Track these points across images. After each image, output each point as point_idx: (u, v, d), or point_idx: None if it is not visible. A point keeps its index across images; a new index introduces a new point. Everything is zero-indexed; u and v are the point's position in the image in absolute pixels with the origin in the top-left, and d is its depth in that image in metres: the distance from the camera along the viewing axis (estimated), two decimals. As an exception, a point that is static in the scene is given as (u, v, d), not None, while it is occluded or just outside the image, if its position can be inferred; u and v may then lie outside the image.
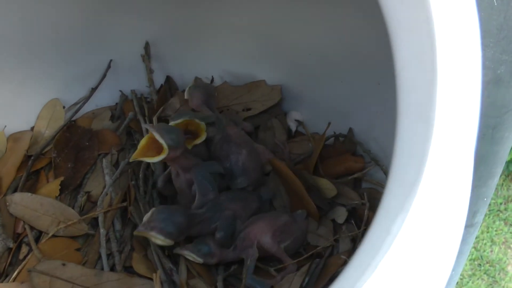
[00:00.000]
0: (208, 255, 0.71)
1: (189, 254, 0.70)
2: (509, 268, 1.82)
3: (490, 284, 1.77)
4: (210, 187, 0.74)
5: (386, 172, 0.78)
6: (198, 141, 0.76)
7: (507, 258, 1.84)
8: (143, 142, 0.70)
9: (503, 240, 1.89)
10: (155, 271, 0.71)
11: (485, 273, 1.80)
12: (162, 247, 0.73)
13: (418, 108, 0.38)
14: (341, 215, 0.76)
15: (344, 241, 0.73)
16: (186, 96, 0.83)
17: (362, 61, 0.78)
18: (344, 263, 0.69)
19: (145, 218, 0.68)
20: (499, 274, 1.79)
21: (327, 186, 0.78)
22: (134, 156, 0.69)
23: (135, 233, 0.68)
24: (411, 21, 0.39)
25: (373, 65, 0.77)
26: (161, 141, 0.68)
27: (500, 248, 1.87)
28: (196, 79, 0.88)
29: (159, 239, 0.67)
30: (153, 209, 0.69)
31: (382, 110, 0.79)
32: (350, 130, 0.84)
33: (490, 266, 1.82)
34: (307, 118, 0.89)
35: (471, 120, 0.37)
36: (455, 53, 0.37)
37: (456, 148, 0.37)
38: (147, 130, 0.71)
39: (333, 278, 0.69)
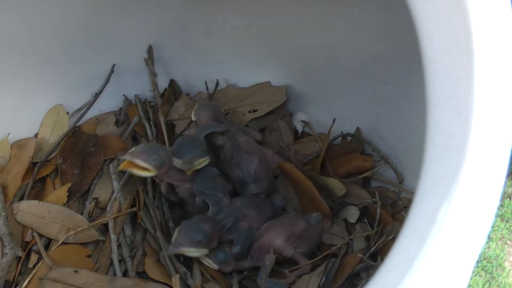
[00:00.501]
0: (224, 263, 0.70)
1: (205, 260, 0.70)
2: (506, 264, 1.83)
3: (488, 281, 1.78)
4: (219, 194, 0.74)
5: (395, 170, 0.78)
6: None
7: (504, 254, 1.84)
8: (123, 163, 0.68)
9: (500, 236, 1.90)
10: (169, 275, 0.71)
11: (482, 269, 1.80)
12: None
13: (452, 100, 0.38)
14: (353, 214, 0.76)
15: (358, 240, 0.73)
16: (193, 118, 0.81)
17: (368, 60, 0.78)
18: (360, 261, 0.69)
19: (173, 238, 0.69)
20: (496, 270, 1.80)
21: (337, 185, 0.78)
22: (121, 167, 0.68)
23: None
24: (442, 13, 0.39)
25: (379, 64, 0.77)
26: (146, 165, 0.67)
27: (497, 244, 1.87)
28: (199, 101, 0.87)
29: (192, 252, 0.68)
30: (177, 228, 0.69)
31: (389, 109, 0.79)
32: (358, 129, 0.84)
33: (487, 262, 1.82)
34: (313, 119, 0.89)
35: (509, 113, 0.36)
36: (491, 45, 0.37)
37: (495, 140, 0.37)
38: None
39: (349, 277, 0.69)
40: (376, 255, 0.71)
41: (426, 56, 0.41)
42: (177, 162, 0.71)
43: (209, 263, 0.70)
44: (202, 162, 0.73)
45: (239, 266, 0.72)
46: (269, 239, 0.71)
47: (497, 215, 1.94)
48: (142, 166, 0.67)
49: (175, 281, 0.67)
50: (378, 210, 0.74)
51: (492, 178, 0.38)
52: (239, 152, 0.78)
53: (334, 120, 0.83)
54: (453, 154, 0.38)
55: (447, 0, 0.39)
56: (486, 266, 1.81)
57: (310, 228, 0.73)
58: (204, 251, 0.68)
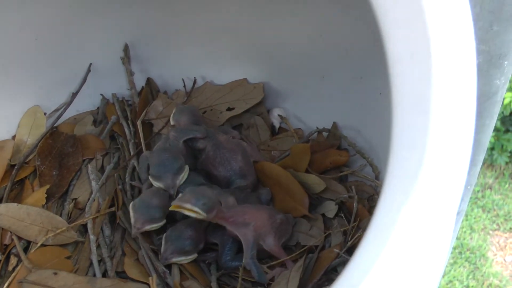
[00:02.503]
0: (211, 209, 0.67)
1: (192, 208, 0.66)
2: (489, 254, 1.85)
3: (472, 271, 1.80)
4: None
5: (372, 164, 0.79)
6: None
7: (487, 244, 1.87)
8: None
9: (482, 227, 1.92)
10: (148, 274, 0.71)
11: (466, 260, 1.83)
12: (153, 251, 0.73)
13: (414, 100, 0.38)
14: (331, 209, 0.77)
15: (335, 235, 0.74)
16: (172, 122, 0.82)
17: (343, 56, 0.78)
18: (337, 256, 0.70)
19: (161, 249, 0.71)
20: (479, 260, 1.82)
21: (315, 182, 0.78)
22: (172, 208, 0.68)
23: (170, 208, 0.68)
24: (403, 16, 0.40)
25: (354, 59, 0.77)
26: (196, 209, 0.66)
27: (480, 235, 1.90)
28: (177, 105, 0.87)
29: (183, 260, 0.71)
30: (163, 236, 0.71)
31: (365, 103, 0.80)
32: (334, 124, 0.85)
33: (470, 253, 1.85)
34: (290, 114, 0.90)
35: (469, 108, 0.37)
36: (450, 46, 0.37)
37: (456, 137, 0.38)
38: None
39: (326, 272, 0.69)
40: (353, 249, 0.71)
41: (390, 59, 0.41)
42: (159, 185, 0.74)
43: (198, 213, 0.67)
44: (183, 176, 0.75)
45: (220, 214, 0.69)
46: (254, 214, 0.71)
47: (478, 206, 1.97)
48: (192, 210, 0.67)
49: (152, 281, 0.67)
50: (355, 204, 0.75)
51: (453, 176, 0.38)
52: (222, 151, 0.79)
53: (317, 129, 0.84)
54: (415, 154, 0.38)
55: (407, 4, 0.39)
56: (470, 257, 1.83)
57: (287, 223, 0.74)
58: (194, 256, 0.71)
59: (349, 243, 0.71)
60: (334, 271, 0.70)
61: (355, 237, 0.71)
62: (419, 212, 0.37)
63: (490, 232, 1.91)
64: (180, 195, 0.68)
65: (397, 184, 0.40)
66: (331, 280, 0.69)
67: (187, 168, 0.76)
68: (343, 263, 0.70)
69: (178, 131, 0.79)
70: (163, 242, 0.72)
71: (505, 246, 1.89)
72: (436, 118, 0.38)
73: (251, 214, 0.72)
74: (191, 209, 0.66)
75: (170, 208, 0.68)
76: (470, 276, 1.80)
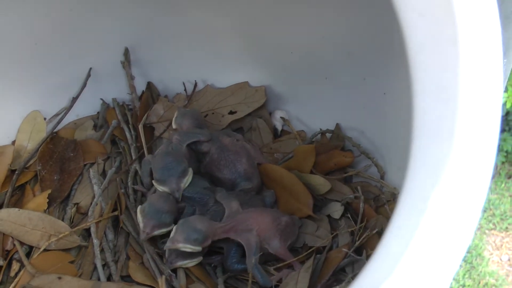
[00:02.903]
0: (204, 241, 0.68)
1: (185, 247, 0.68)
2: (485, 253, 1.85)
3: (468, 270, 1.80)
4: (205, 196, 0.75)
5: (377, 165, 0.79)
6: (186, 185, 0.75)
7: (483, 244, 1.87)
8: None
9: (478, 226, 1.92)
10: (153, 277, 0.70)
11: (462, 259, 1.83)
12: (158, 254, 0.72)
13: (438, 89, 0.38)
14: (336, 210, 0.76)
15: (343, 235, 0.73)
16: (174, 126, 0.81)
17: (345, 57, 0.78)
18: (345, 256, 0.69)
19: (171, 235, 0.69)
20: (476, 260, 1.82)
21: (320, 182, 0.78)
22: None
23: (165, 248, 0.70)
24: (427, 8, 0.39)
25: (357, 60, 0.77)
26: (189, 247, 0.68)
27: (476, 234, 1.90)
28: (179, 108, 0.86)
29: (187, 248, 0.68)
30: (176, 225, 0.70)
31: (369, 104, 0.80)
32: (337, 125, 0.84)
33: (467, 252, 1.84)
34: (293, 117, 0.89)
35: (496, 97, 0.37)
36: (476, 33, 0.37)
37: (482, 127, 0.37)
38: None
39: (335, 272, 0.69)
40: (361, 249, 0.71)
41: (410, 48, 0.41)
42: (163, 189, 0.74)
43: (192, 248, 0.68)
44: (187, 180, 0.75)
45: (216, 233, 0.70)
46: (256, 218, 0.71)
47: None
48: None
49: (162, 282, 0.66)
50: (361, 205, 0.74)
51: (481, 165, 0.38)
52: (227, 153, 0.79)
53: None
54: (442, 142, 0.38)
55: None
56: (466, 256, 1.83)
57: (292, 225, 0.73)
58: (198, 248, 0.68)
59: (357, 243, 0.70)
60: (342, 271, 0.70)
61: (362, 237, 0.70)
62: (446, 203, 0.37)
63: (486, 231, 1.91)
64: (171, 234, 0.69)
65: (422, 173, 0.39)
66: (340, 281, 0.68)
67: (191, 171, 0.75)
68: (352, 263, 0.70)
69: (182, 135, 0.78)
70: (174, 228, 0.70)
71: (501, 245, 1.89)
72: (463, 106, 0.37)
73: (253, 219, 0.71)
74: (184, 248, 0.68)
75: (166, 248, 0.69)
76: (467, 275, 1.80)
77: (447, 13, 0.37)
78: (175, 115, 0.82)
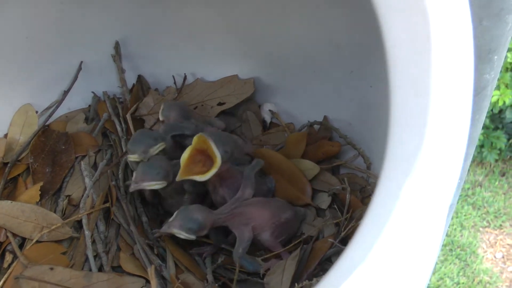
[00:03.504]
0: (199, 230, 0.69)
1: (179, 233, 0.68)
2: (479, 251, 1.86)
3: (462, 268, 1.81)
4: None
5: (363, 155, 0.80)
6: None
7: (477, 241, 1.88)
8: (186, 155, 0.68)
9: (472, 224, 1.94)
10: (144, 268, 0.71)
11: (456, 257, 1.84)
12: (149, 245, 0.73)
13: (413, 82, 0.39)
14: (324, 200, 0.77)
15: (328, 226, 0.74)
16: (161, 118, 0.82)
17: (334, 50, 0.79)
18: (331, 246, 0.71)
19: (170, 219, 0.69)
20: (470, 257, 1.84)
21: (309, 167, 0.79)
22: (181, 175, 0.68)
23: (156, 234, 0.71)
24: (401, 3, 0.40)
25: (345, 53, 0.78)
26: (216, 153, 0.67)
27: (470, 232, 1.91)
28: (165, 101, 0.87)
29: (182, 235, 0.68)
30: (176, 211, 0.70)
31: (356, 97, 0.81)
32: (325, 117, 0.86)
33: (461, 250, 1.86)
34: (281, 109, 0.90)
35: (465, 94, 0.38)
36: (448, 30, 0.38)
37: (453, 122, 0.38)
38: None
39: (321, 262, 0.70)
40: (347, 240, 0.72)
41: (387, 43, 0.42)
42: (133, 157, 0.73)
43: (186, 236, 0.69)
44: (157, 148, 0.73)
45: (212, 225, 0.70)
46: (255, 212, 0.72)
47: (469, 203, 1.98)
48: (210, 152, 0.67)
49: (151, 272, 0.68)
50: (347, 196, 0.75)
51: (451, 157, 0.39)
52: None
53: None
54: (414, 135, 0.39)
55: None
56: (460, 254, 1.84)
57: (294, 220, 0.75)
58: (192, 237, 0.69)
59: (343, 233, 0.72)
60: (328, 261, 0.71)
61: (348, 227, 0.72)
62: (418, 195, 0.38)
63: (480, 229, 1.93)
64: (170, 218, 0.69)
65: (395, 166, 0.41)
66: (326, 270, 0.69)
67: (162, 143, 0.74)
68: (338, 253, 0.71)
69: (167, 126, 0.79)
70: (174, 214, 0.69)
71: (495, 243, 1.90)
72: (435, 100, 0.38)
73: (252, 214, 0.72)
74: (179, 234, 0.68)
75: (160, 232, 0.70)
76: (461, 273, 1.81)
77: (420, 8, 0.38)
78: (161, 108, 0.82)
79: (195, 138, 0.68)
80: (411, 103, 0.39)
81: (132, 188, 0.71)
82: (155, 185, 0.71)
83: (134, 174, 0.71)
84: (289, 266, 0.68)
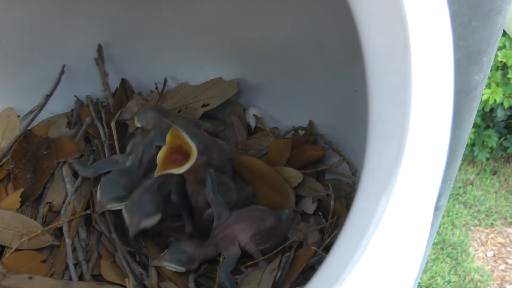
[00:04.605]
0: (188, 263, 0.71)
1: (169, 265, 0.70)
2: (470, 249, 1.86)
3: (454, 267, 1.81)
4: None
5: (348, 162, 0.79)
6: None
7: (468, 240, 1.88)
8: (161, 154, 0.68)
9: (464, 222, 1.93)
10: (125, 277, 0.70)
11: (448, 256, 1.84)
12: (130, 253, 0.72)
13: (391, 92, 0.38)
14: (309, 206, 0.77)
15: (312, 233, 0.74)
16: (139, 125, 0.81)
17: (318, 54, 0.79)
18: (315, 254, 0.70)
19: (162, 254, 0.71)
20: (461, 256, 1.84)
21: (293, 175, 0.79)
22: (158, 171, 0.68)
23: (151, 265, 0.71)
24: (379, 7, 0.39)
25: (329, 58, 0.78)
26: (191, 144, 0.67)
27: (461, 230, 1.91)
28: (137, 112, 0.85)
29: (172, 267, 0.70)
30: (171, 243, 0.72)
31: (341, 101, 0.80)
32: (310, 122, 0.85)
33: (452, 249, 1.86)
34: (266, 113, 0.90)
35: (446, 101, 0.37)
36: (426, 35, 0.37)
37: (433, 129, 0.37)
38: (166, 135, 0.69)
39: (304, 270, 0.69)
40: (331, 247, 0.71)
41: (366, 50, 0.41)
42: (125, 216, 0.73)
43: (176, 268, 0.71)
44: (149, 223, 0.73)
45: (203, 256, 0.72)
46: (236, 230, 0.72)
47: (460, 202, 1.98)
48: (185, 147, 0.67)
49: (129, 283, 0.67)
50: (332, 202, 0.75)
51: (431, 168, 0.38)
52: None
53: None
54: (393, 145, 0.38)
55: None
56: (451, 252, 1.84)
57: (279, 225, 0.74)
58: (182, 269, 0.70)
59: (327, 241, 0.71)
60: (312, 269, 0.70)
61: (332, 234, 0.71)
62: (398, 205, 0.37)
63: (472, 227, 1.93)
64: (162, 253, 0.71)
65: (374, 176, 0.40)
66: (309, 279, 0.68)
67: (158, 216, 0.73)
68: (321, 261, 0.70)
69: (158, 131, 0.78)
70: (169, 247, 0.72)
71: (486, 241, 1.90)
72: (414, 109, 0.37)
73: (234, 232, 0.72)
74: (169, 266, 0.70)
75: (152, 264, 0.71)
76: (452, 272, 1.81)
77: (398, 15, 0.37)
78: (136, 118, 0.82)
79: (168, 135, 0.68)
80: (390, 110, 0.38)
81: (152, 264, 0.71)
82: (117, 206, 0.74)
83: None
84: (265, 281, 0.67)
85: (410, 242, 0.39)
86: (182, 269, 0.70)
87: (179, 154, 0.68)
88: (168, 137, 0.68)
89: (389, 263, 0.38)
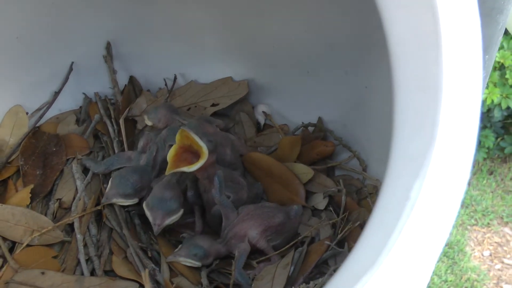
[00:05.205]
0: (204, 257, 0.71)
1: (185, 260, 0.71)
2: (467, 248, 1.87)
3: (450, 266, 1.81)
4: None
5: (358, 158, 0.80)
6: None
7: (465, 239, 1.89)
8: (172, 152, 0.68)
9: (460, 222, 1.94)
10: (137, 272, 0.70)
11: (444, 255, 1.84)
12: (142, 249, 0.72)
13: (419, 80, 0.38)
14: (320, 201, 0.77)
15: (324, 228, 0.74)
16: (149, 123, 0.82)
17: (328, 51, 0.79)
18: (328, 249, 0.70)
19: (176, 250, 0.73)
20: (458, 255, 1.84)
21: (303, 171, 0.79)
22: (169, 169, 0.68)
23: (167, 260, 0.72)
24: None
25: (339, 54, 0.78)
26: (201, 144, 0.67)
27: (458, 230, 1.92)
28: (147, 111, 0.86)
29: (191, 263, 0.71)
30: (185, 239, 0.74)
31: (350, 97, 0.80)
32: (320, 119, 0.85)
33: (449, 248, 1.86)
34: (275, 110, 0.90)
35: (476, 88, 0.37)
36: (457, 25, 0.37)
37: (463, 117, 0.37)
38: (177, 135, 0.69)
39: (317, 265, 0.69)
40: (343, 242, 0.71)
41: (391, 39, 0.41)
42: (147, 214, 0.73)
43: (192, 262, 0.71)
44: (173, 219, 0.73)
45: (217, 253, 0.73)
46: (245, 228, 0.72)
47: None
48: (195, 146, 0.67)
49: (145, 276, 0.67)
50: (343, 197, 0.75)
51: (462, 154, 0.38)
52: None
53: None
54: (423, 132, 0.38)
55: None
56: (448, 252, 1.85)
57: (288, 221, 0.74)
58: (198, 264, 0.71)
59: (339, 235, 0.71)
60: (325, 264, 0.70)
61: (345, 230, 0.71)
62: (431, 190, 0.37)
63: (468, 227, 1.93)
64: (176, 249, 0.73)
65: (405, 162, 0.40)
66: (322, 273, 0.69)
67: (181, 212, 0.74)
68: (334, 256, 0.71)
69: (170, 130, 0.78)
70: (183, 242, 0.73)
71: (483, 241, 1.91)
72: (444, 98, 0.37)
73: (243, 231, 0.72)
74: (185, 261, 0.71)
75: (167, 260, 0.72)
76: (449, 271, 1.81)
77: (427, 4, 0.38)
78: (146, 116, 0.82)
79: (177, 135, 0.68)
80: (418, 99, 0.38)
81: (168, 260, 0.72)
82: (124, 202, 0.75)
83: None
84: (279, 275, 0.67)
85: (439, 226, 0.39)
86: (198, 264, 0.71)
87: (190, 153, 0.68)
88: (177, 137, 0.68)
89: (421, 246, 0.38)
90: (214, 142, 0.69)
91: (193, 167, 0.67)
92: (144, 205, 0.73)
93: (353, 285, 0.36)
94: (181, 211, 0.73)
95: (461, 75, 0.37)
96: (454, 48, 0.37)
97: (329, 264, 0.70)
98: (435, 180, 0.37)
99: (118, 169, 0.79)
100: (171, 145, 0.75)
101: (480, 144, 2.02)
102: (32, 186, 0.79)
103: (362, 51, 0.73)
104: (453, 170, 0.37)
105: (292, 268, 0.70)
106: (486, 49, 0.71)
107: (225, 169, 0.75)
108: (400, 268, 0.38)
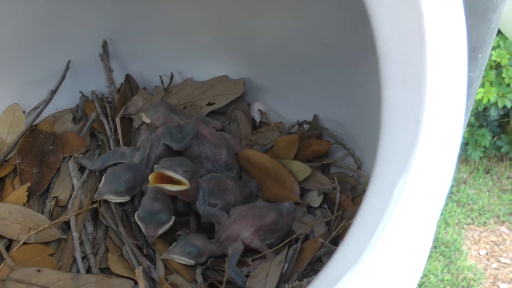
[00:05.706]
0: (198, 256, 0.72)
1: (179, 258, 0.72)
2: (463, 247, 1.87)
3: (447, 265, 1.82)
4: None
5: (353, 155, 0.80)
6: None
7: (461, 239, 1.89)
8: (152, 175, 0.69)
9: (457, 221, 1.94)
10: (132, 269, 0.71)
11: (441, 254, 1.84)
12: (137, 246, 0.73)
13: (405, 79, 0.39)
14: (315, 199, 0.77)
15: (318, 226, 0.74)
16: (148, 120, 0.82)
17: (323, 48, 0.79)
18: (322, 246, 0.70)
19: (170, 247, 0.73)
20: (454, 254, 1.84)
21: (300, 168, 0.79)
22: (152, 183, 0.69)
23: (161, 258, 0.72)
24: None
25: (334, 52, 0.78)
26: (181, 178, 0.69)
27: (454, 229, 1.92)
28: (145, 109, 0.87)
29: (184, 261, 0.72)
30: (180, 236, 0.75)
31: (346, 95, 0.80)
32: (315, 116, 0.85)
33: (445, 247, 1.87)
34: (271, 108, 0.90)
35: (459, 87, 0.38)
36: (441, 23, 0.38)
37: (448, 115, 0.38)
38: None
39: (311, 262, 0.70)
40: (337, 239, 0.72)
41: (378, 39, 0.41)
42: (141, 226, 0.74)
43: (186, 261, 0.72)
44: (165, 229, 0.75)
45: (211, 252, 0.73)
46: (237, 230, 0.72)
47: (453, 201, 1.99)
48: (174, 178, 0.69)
49: (139, 273, 0.67)
50: (337, 195, 0.75)
51: (446, 152, 0.39)
52: (207, 146, 0.80)
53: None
54: (408, 131, 0.38)
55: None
56: (444, 251, 1.85)
57: (281, 219, 0.74)
58: (192, 262, 0.72)
59: (333, 233, 0.72)
60: (319, 262, 0.71)
61: (339, 227, 0.72)
62: (414, 188, 0.37)
63: (465, 226, 1.94)
64: (171, 246, 0.73)
65: (391, 159, 0.40)
66: (316, 271, 0.69)
67: (172, 219, 0.75)
68: (328, 253, 0.71)
69: (164, 131, 0.79)
70: (178, 240, 0.74)
71: (479, 240, 1.91)
72: (430, 97, 0.38)
73: (236, 232, 0.73)
74: (179, 259, 0.71)
75: (162, 257, 0.72)
76: (445, 270, 1.82)
77: (413, 4, 0.38)
78: (144, 114, 0.82)
79: (151, 176, 0.69)
80: (405, 98, 0.39)
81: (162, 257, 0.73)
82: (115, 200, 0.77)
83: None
84: (273, 272, 0.68)
85: (424, 224, 0.39)
86: (192, 262, 0.71)
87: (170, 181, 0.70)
88: (151, 179, 0.69)
89: (405, 243, 0.39)
90: (190, 172, 0.70)
91: (175, 188, 0.69)
92: (135, 216, 0.74)
93: (334, 284, 0.37)
94: (173, 219, 0.74)
95: (445, 73, 0.38)
96: (439, 47, 0.38)
97: (323, 261, 0.71)
98: (419, 178, 0.37)
99: (114, 165, 0.79)
100: (164, 144, 0.77)
101: (476, 143, 2.03)
102: (29, 184, 0.79)
103: (358, 49, 0.73)
104: (437, 168, 0.38)
105: (286, 265, 0.70)
106: (480, 48, 0.71)
107: (211, 175, 0.77)
108: (384, 265, 0.38)
